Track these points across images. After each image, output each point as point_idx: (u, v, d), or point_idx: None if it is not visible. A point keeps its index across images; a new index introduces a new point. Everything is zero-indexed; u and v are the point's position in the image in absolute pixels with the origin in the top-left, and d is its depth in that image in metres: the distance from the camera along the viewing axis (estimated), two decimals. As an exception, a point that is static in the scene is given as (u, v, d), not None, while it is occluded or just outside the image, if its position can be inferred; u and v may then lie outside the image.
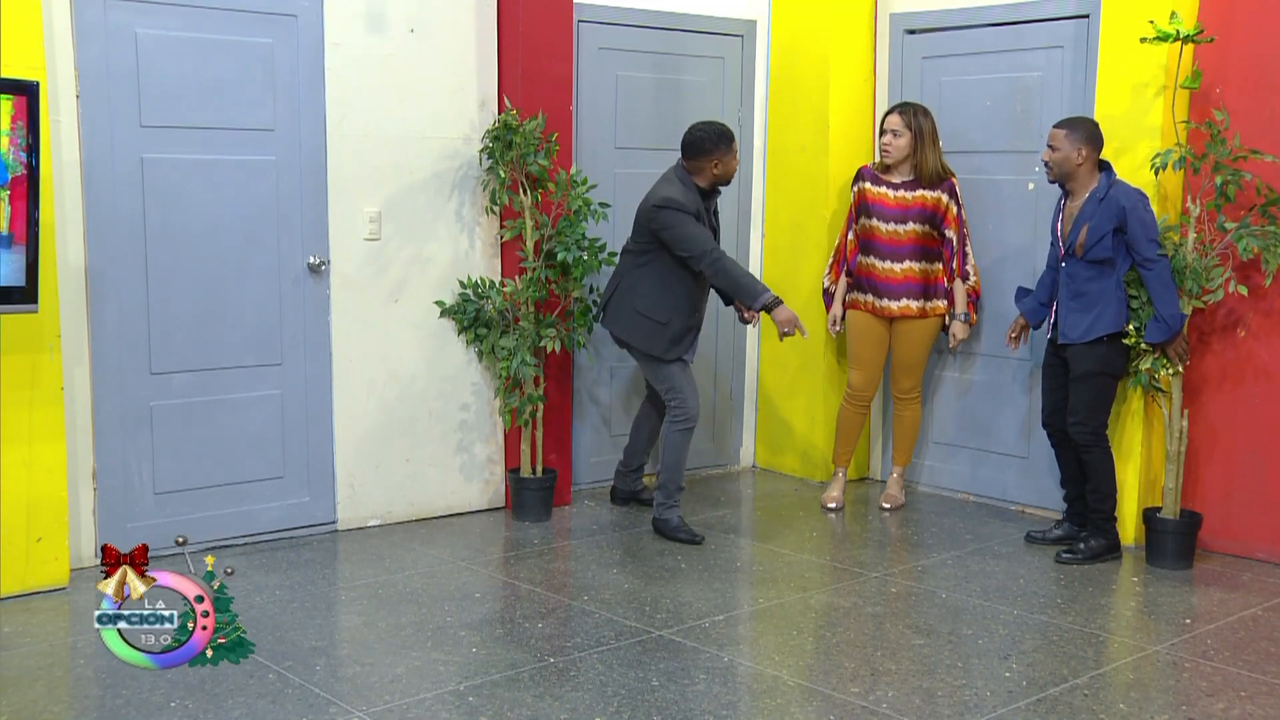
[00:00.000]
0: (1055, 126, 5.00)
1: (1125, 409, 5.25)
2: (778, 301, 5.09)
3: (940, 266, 5.74)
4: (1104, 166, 4.98)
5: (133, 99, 4.77)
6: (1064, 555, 5.09)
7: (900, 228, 5.67)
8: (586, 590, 4.72)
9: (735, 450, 6.75)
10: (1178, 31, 4.83)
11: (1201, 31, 4.87)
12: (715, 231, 5.38)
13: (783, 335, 5.07)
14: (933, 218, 5.67)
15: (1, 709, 3.59)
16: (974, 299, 5.80)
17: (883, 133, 5.68)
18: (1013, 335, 5.39)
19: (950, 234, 5.69)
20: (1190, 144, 5.06)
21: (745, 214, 6.56)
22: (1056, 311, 5.08)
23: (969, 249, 5.75)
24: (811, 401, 6.41)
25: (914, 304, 5.72)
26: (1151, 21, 4.92)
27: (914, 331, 5.78)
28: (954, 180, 5.69)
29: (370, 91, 5.32)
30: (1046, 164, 5.02)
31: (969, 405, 6.11)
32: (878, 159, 5.78)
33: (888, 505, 5.92)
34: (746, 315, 5.36)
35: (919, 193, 5.65)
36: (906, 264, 5.69)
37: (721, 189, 5.38)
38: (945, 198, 5.66)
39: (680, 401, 5.34)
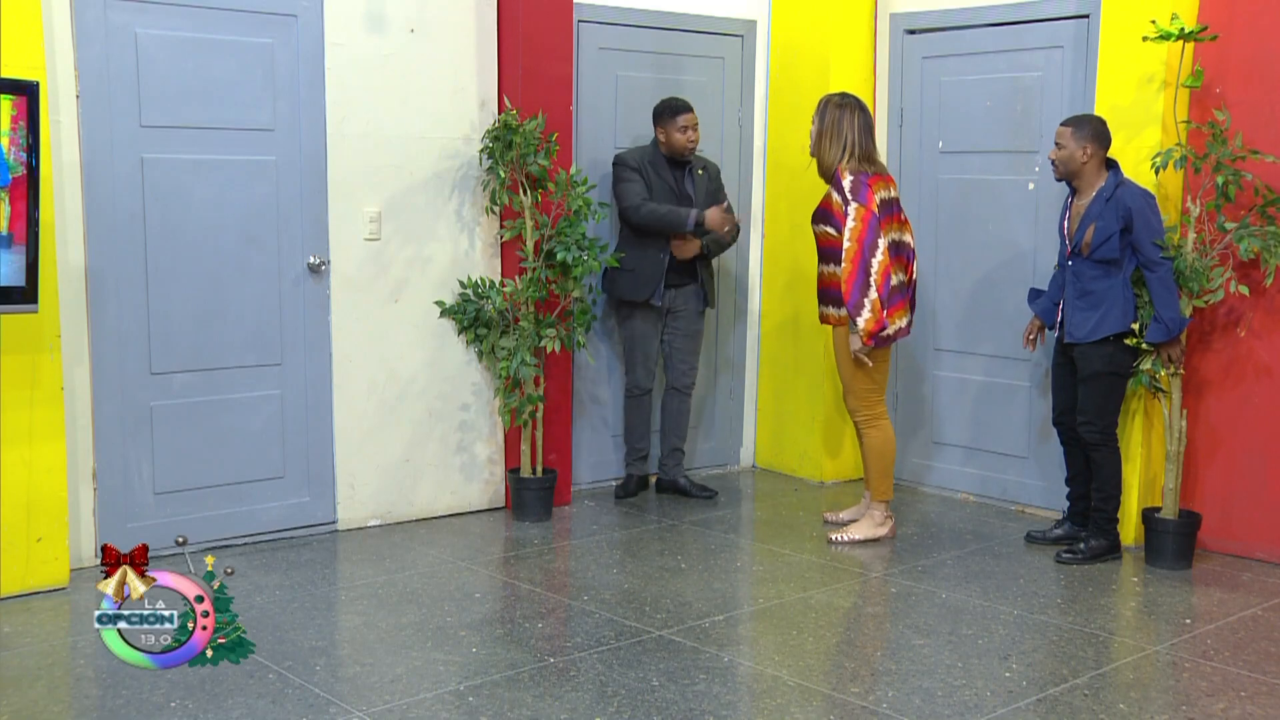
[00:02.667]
0: (1062, 124, 4.98)
1: (1125, 409, 5.24)
2: (703, 214, 5.65)
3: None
4: (1111, 165, 4.97)
5: (133, 99, 4.77)
6: (1064, 555, 5.09)
7: (815, 228, 5.29)
8: (586, 590, 4.72)
9: (735, 450, 6.75)
10: (1181, 29, 4.83)
11: (1205, 29, 4.87)
12: (690, 199, 5.81)
13: (726, 233, 5.79)
14: (827, 216, 5.17)
15: (1, 709, 3.59)
16: (855, 311, 5.05)
17: None
18: (1029, 337, 5.35)
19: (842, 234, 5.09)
20: (1190, 143, 5.06)
21: (745, 214, 6.56)
22: (1063, 310, 5.08)
23: (869, 256, 5.02)
24: (811, 401, 6.41)
25: (830, 310, 5.28)
26: (1153, 21, 4.92)
27: (836, 340, 5.35)
28: (843, 174, 5.09)
29: (370, 91, 5.32)
30: (1053, 162, 5.01)
31: (969, 405, 6.10)
32: None
33: (829, 518, 5.64)
34: (686, 244, 5.81)
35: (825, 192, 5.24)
36: (819, 267, 5.32)
37: (690, 160, 5.82)
38: (835, 195, 5.11)
39: (627, 371, 5.99)
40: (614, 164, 5.82)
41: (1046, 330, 5.32)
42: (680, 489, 6.09)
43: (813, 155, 5.27)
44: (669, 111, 5.73)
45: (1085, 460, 5.19)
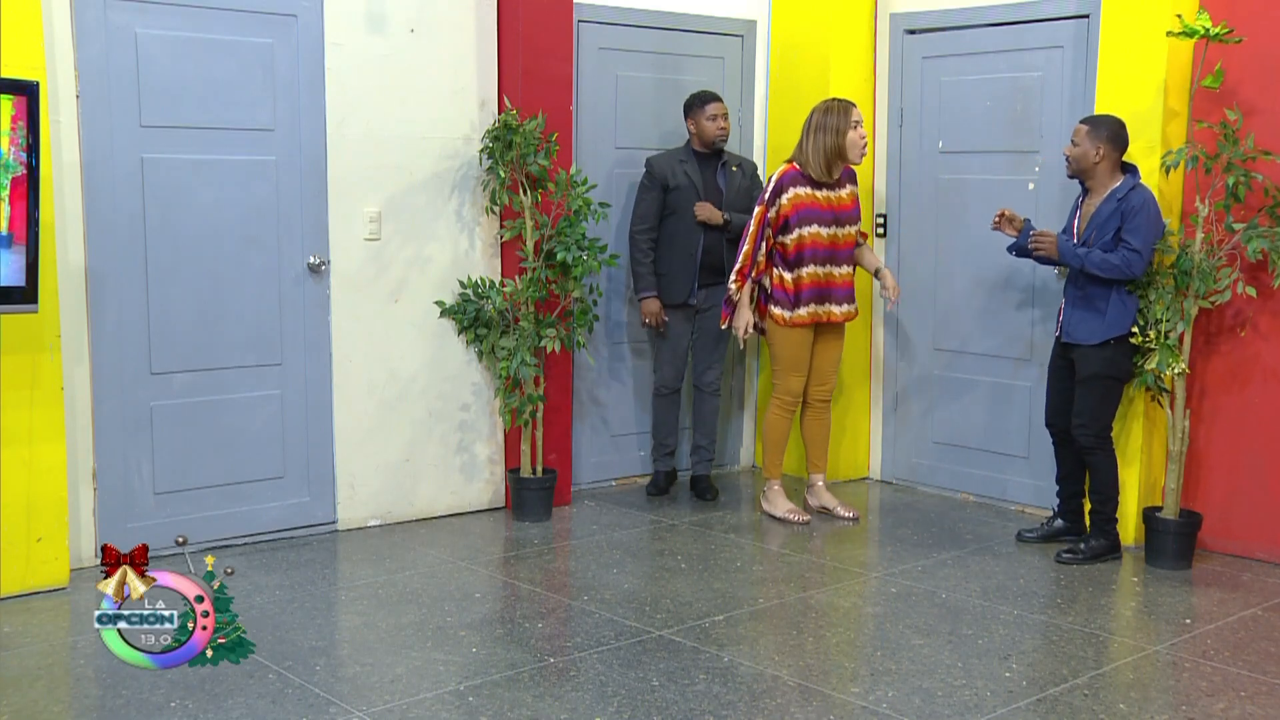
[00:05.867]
0: (1080, 122, 4.98)
1: (1128, 409, 5.24)
2: (646, 296, 5.88)
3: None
4: (1129, 169, 4.96)
5: (133, 99, 4.77)
6: (1064, 555, 5.09)
7: (850, 229, 5.55)
8: (586, 590, 4.72)
9: (735, 450, 6.75)
10: (1206, 29, 4.81)
11: (1231, 31, 4.84)
12: (720, 194, 5.88)
13: (644, 323, 5.94)
14: (855, 217, 5.57)
15: (1, 709, 3.59)
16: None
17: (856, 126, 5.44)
18: (1006, 215, 5.24)
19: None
20: (1198, 142, 5.05)
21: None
22: (1064, 311, 5.08)
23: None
24: (811, 401, 6.40)
25: (851, 307, 5.65)
26: (1179, 15, 4.91)
27: (842, 331, 5.72)
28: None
29: (370, 91, 5.32)
30: (1067, 158, 5.01)
31: (969, 405, 6.10)
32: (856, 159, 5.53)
33: (849, 514, 5.74)
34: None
35: (840, 192, 5.53)
36: (843, 267, 5.57)
37: (725, 154, 5.93)
38: (852, 188, 5.57)
39: (655, 369, 6.09)
40: (645, 169, 5.87)
41: (1010, 249, 5.29)
42: (695, 486, 6.13)
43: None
44: (698, 102, 5.81)
45: (1077, 462, 5.20)
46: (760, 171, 6.53)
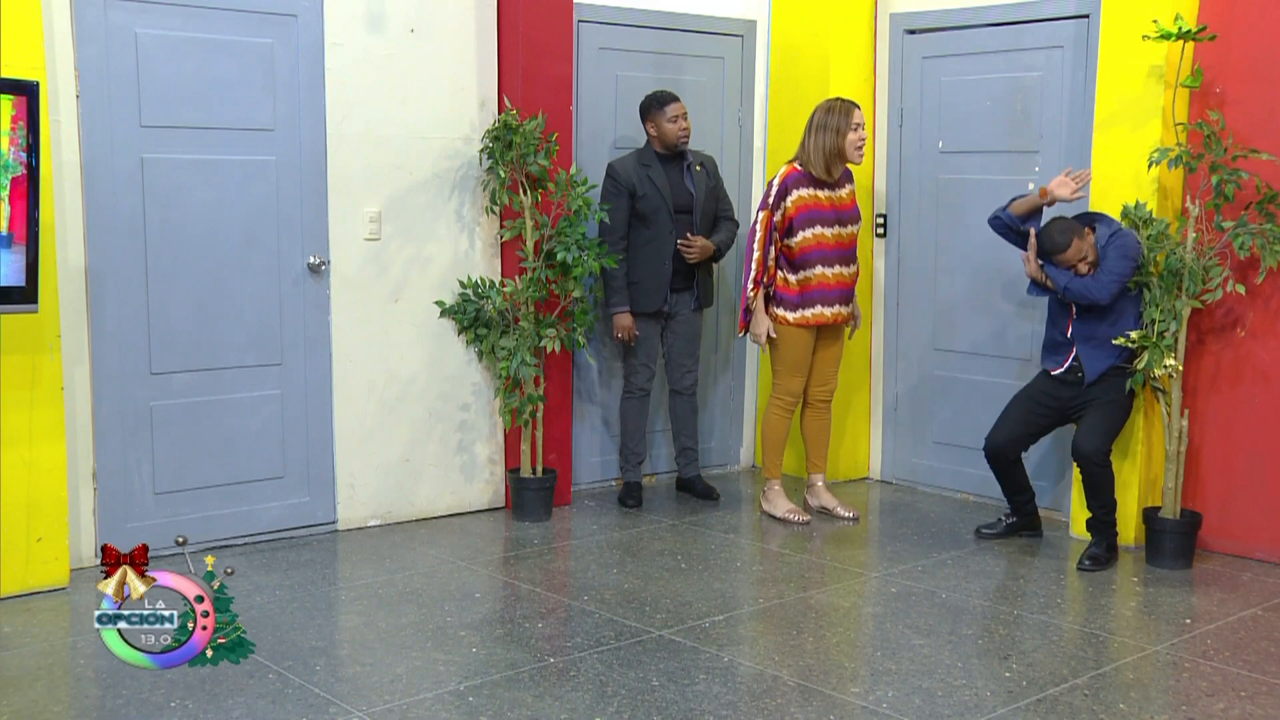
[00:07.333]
0: (1060, 246, 4.89)
1: (1125, 409, 5.25)
2: (619, 311, 5.74)
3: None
4: (1095, 219, 4.98)
5: (133, 99, 4.78)
6: (1086, 564, 5.03)
7: (853, 229, 5.57)
8: (586, 590, 4.72)
9: (735, 450, 6.75)
10: (1181, 29, 4.83)
11: (1204, 29, 4.86)
12: (690, 196, 5.75)
13: (615, 337, 5.79)
14: (857, 217, 5.62)
15: (1, 709, 3.59)
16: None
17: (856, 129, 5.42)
18: (1032, 259, 5.14)
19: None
20: (1189, 143, 5.06)
21: (745, 214, 6.55)
22: (1075, 354, 5.07)
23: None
24: (811, 401, 6.40)
25: (845, 308, 5.62)
26: (1155, 20, 4.92)
27: (843, 332, 5.74)
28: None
29: (370, 91, 5.32)
30: (1077, 270, 4.94)
31: (969, 405, 6.10)
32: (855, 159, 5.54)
33: (849, 514, 5.75)
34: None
35: (841, 191, 5.56)
36: (849, 268, 5.59)
37: (687, 155, 5.78)
38: (850, 186, 5.61)
39: (628, 373, 5.92)
40: (607, 175, 5.73)
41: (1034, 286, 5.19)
42: (693, 488, 6.11)
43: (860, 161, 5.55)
44: (656, 103, 5.68)
45: (1023, 472, 5.28)
46: (760, 172, 6.54)
